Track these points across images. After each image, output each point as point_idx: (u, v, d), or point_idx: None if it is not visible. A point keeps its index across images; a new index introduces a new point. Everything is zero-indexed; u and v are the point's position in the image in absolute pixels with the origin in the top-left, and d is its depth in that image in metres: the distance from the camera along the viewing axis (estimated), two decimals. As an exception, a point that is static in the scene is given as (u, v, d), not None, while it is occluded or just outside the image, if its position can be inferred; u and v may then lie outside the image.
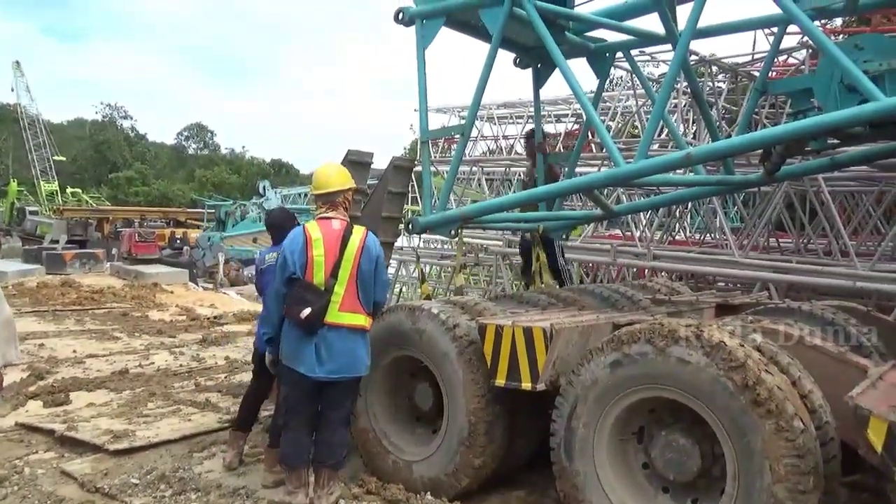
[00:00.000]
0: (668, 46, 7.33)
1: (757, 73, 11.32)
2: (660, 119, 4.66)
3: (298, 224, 5.01)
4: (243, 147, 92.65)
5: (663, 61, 14.12)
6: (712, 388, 3.10)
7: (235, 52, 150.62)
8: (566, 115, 22.21)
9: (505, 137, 23.67)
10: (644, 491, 3.48)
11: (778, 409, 2.93)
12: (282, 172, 74.10)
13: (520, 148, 23.18)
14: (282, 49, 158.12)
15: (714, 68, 11.66)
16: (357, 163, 5.26)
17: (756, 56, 11.63)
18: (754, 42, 12.20)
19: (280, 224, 4.91)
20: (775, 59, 8.00)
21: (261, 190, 32.09)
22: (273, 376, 4.51)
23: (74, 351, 9.39)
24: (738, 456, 3.03)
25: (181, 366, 8.63)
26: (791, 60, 12.01)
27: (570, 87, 4.58)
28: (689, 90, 10.56)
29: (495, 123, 22.47)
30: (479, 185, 18.54)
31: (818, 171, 6.76)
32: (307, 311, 3.75)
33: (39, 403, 6.65)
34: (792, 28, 5.12)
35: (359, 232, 4.01)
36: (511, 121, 23.48)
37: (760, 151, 4.96)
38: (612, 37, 5.80)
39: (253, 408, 5.03)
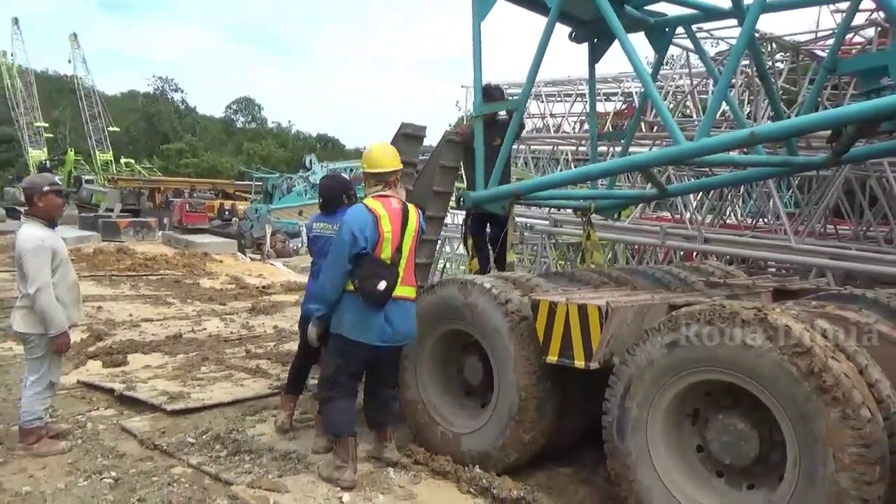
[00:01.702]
0: (727, 22, 7.13)
1: (819, 52, 10.93)
2: (724, 95, 4.51)
3: (354, 193, 5.05)
4: (289, 121, 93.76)
5: (721, 39, 13.68)
6: (775, 373, 3.02)
7: (284, 27, 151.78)
8: (615, 94, 21.81)
9: (552, 115, 23.36)
10: (697, 474, 3.44)
11: (844, 398, 2.85)
12: (327, 147, 74.77)
13: (567, 126, 22.91)
14: (328, 25, 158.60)
15: (773, 46, 11.25)
16: (411, 136, 5.25)
17: (819, 34, 11.16)
18: (818, 20, 11.72)
19: (334, 193, 4.93)
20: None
21: (307, 163, 32.35)
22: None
23: (130, 315, 9.71)
24: (800, 443, 2.96)
25: (232, 333, 8.85)
26: (856, 39, 11.50)
27: (631, 62, 4.47)
28: (746, 69, 10.28)
29: (542, 101, 22.15)
30: (525, 163, 18.37)
31: (885, 155, 6.48)
32: (383, 283, 3.88)
33: (99, 363, 6.92)
34: (862, 6, 4.88)
35: (413, 210, 4.19)
36: (559, 99, 23.11)
37: (827, 133, 4.79)
38: (672, 11, 5.64)
39: (301, 373, 5.13)
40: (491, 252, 5.74)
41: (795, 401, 2.97)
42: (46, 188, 4.61)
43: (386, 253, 3.98)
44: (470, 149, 5.33)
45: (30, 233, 4.48)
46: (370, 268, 3.91)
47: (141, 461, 4.42)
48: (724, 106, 7.99)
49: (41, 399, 4.56)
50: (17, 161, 55.21)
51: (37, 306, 4.37)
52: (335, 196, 4.91)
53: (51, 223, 4.65)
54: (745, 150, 5.22)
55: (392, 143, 5.04)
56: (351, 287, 3.97)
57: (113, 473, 4.19)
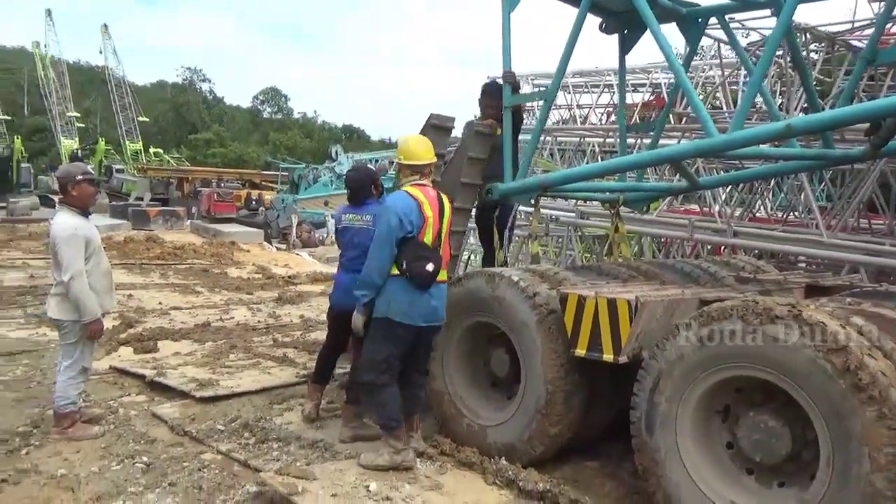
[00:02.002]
0: (759, 12, 6.99)
1: (856, 42, 10.66)
2: (758, 87, 4.42)
3: (381, 184, 5.07)
4: (315, 111, 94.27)
5: (753, 29, 13.42)
6: (809, 370, 2.97)
7: (310, 19, 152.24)
8: (643, 85, 21.53)
9: (579, 106, 23.16)
10: (727, 470, 3.40)
11: (881, 396, 2.79)
12: (353, 137, 75.06)
13: (594, 118, 22.69)
14: (354, 16, 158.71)
15: (807, 37, 11.00)
16: (439, 127, 5.24)
17: (856, 24, 10.88)
18: (855, 9, 11.42)
19: (362, 185, 4.94)
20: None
21: (333, 154, 32.44)
22: (348, 333, 4.63)
23: (160, 303, 9.87)
24: (834, 441, 2.91)
25: (259, 322, 8.95)
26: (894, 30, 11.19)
27: (664, 53, 4.40)
28: (778, 59, 10.06)
29: (569, 92, 21.95)
30: (551, 154, 18.24)
31: (924, 148, 6.31)
32: (430, 265, 4.02)
33: (130, 350, 7.05)
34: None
35: (447, 199, 4.30)
36: (586, 90, 22.90)
37: (864, 126, 4.67)
38: (704, 0, 5.54)
39: (329, 363, 5.16)
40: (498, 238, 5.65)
41: (830, 398, 2.92)
42: (80, 177, 4.69)
43: (428, 237, 4.10)
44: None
45: (64, 221, 4.56)
46: (416, 250, 4.03)
47: (172, 447, 4.50)
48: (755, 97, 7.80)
49: (75, 384, 4.65)
50: (49, 150, 56.26)
51: (70, 294, 4.46)
52: (363, 187, 4.93)
53: (84, 211, 4.73)
54: (777, 142, 5.13)
55: (420, 133, 5.06)
56: (395, 271, 4.05)
57: (145, 458, 4.27)
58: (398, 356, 4.14)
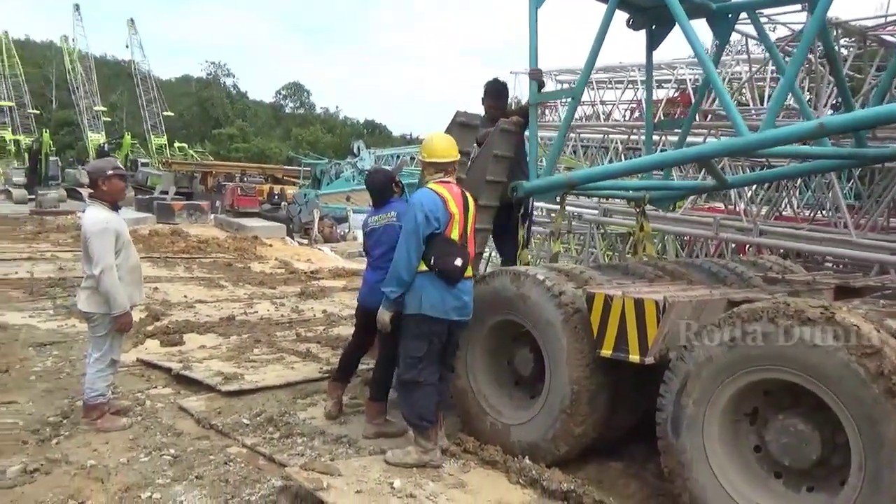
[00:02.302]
0: (788, 7, 6.85)
1: (888, 38, 10.43)
2: (792, 84, 4.35)
3: (400, 181, 5.06)
4: (337, 107, 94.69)
5: (783, 24, 13.20)
6: (841, 374, 2.92)
7: (333, 15, 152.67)
8: (667, 81, 21.29)
9: (602, 103, 22.98)
10: (755, 474, 3.36)
11: (916, 401, 2.74)
12: (375, 133, 75.28)
13: (618, 114, 22.48)
14: (376, 13, 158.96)
15: (838, 32, 10.78)
16: (465, 125, 5.23)
17: (889, 19, 10.65)
18: (888, 3, 11.19)
19: (383, 186, 4.94)
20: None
21: (355, 150, 32.58)
22: (374, 332, 4.65)
23: (185, 296, 9.99)
24: (866, 447, 2.86)
25: (282, 316, 9.02)
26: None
27: (693, 49, 4.36)
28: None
29: (593, 88, 21.78)
30: (574, 151, 18.12)
31: (960, 147, 6.18)
32: (459, 260, 4.07)
33: (156, 342, 7.15)
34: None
35: (471, 197, 4.35)
36: (610, 86, 22.71)
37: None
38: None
39: (353, 361, 5.18)
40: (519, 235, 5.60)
41: (863, 403, 2.87)
42: (111, 172, 4.75)
43: (455, 233, 4.13)
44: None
45: (95, 215, 4.63)
46: (444, 246, 4.07)
47: (198, 440, 4.56)
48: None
49: (104, 376, 4.73)
50: (76, 144, 57.19)
51: (101, 287, 4.52)
52: (385, 188, 4.93)
53: (114, 206, 4.80)
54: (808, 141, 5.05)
55: (446, 131, 5.05)
56: (424, 267, 4.07)
57: (172, 451, 4.33)
58: (435, 352, 4.14)
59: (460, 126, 5.14)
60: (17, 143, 46.97)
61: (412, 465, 4.00)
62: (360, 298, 4.99)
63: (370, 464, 4.05)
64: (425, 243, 4.05)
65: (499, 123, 5.35)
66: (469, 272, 4.23)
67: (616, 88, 22.25)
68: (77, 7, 52.49)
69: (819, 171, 6.76)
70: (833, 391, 2.97)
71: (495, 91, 5.72)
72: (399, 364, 4.25)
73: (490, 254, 15.70)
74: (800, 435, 3.19)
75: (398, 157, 29.99)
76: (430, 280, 4.07)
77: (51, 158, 38.54)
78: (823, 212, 12.47)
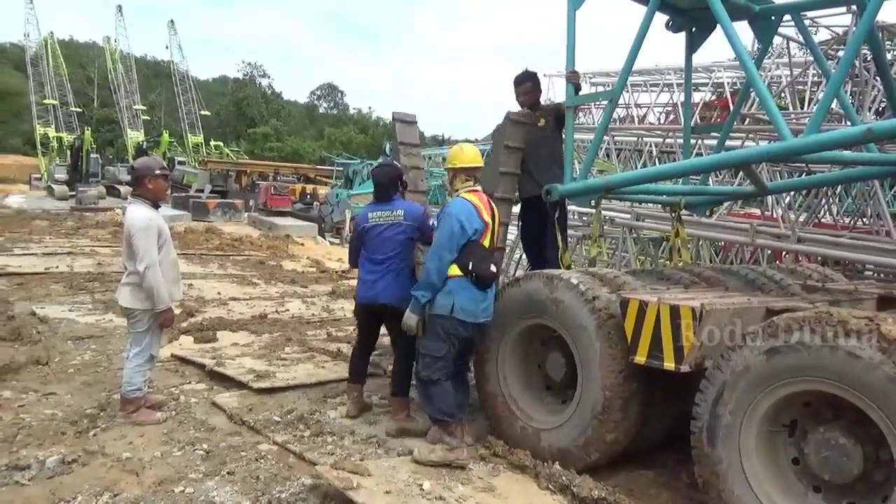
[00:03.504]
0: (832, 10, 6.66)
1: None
2: (838, 88, 4.24)
3: (405, 184, 5.05)
4: (370, 107, 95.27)
5: (825, 27, 12.92)
6: (887, 388, 2.83)
7: (369, 15, 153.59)
8: (704, 84, 20.95)
9: (637, 106, 22.75)
10: (793, 487, 3.27)
11: (966, 418, 2.64)
12: (406, 134, 75.37)
13: (652, 117, 22.22)
14: (413, 13, 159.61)
15: (884, 35, 10.50)
16: (517, 122, 5.43)
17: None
18: (937, 6, 10.84)
19: (391, 179, 4.91)
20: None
21: (386, 150, 32.72)
22: (374, 329, 4.99)
23: (219, 293, 10.13)
24: (912, 463, 2.77)
25: (313, 315, 9.09)
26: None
27: (736, 52, 4.27)
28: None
29: (627, 91, 21.55)
30: (608, 155, 17.95)
31: None
32: (494, 267, 4.30)
33: (191, 339, 7.26)
34: None
35: (494, 203, 4.58)
36: (645, 89, 22.46)
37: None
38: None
39: (364, 361, 5.15)
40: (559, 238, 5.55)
41: (909, 418, 2.78)
42: (158, 171, 4.85)
43: (487, 240, 4.34)
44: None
45: (138, 212, 4.71)
46: (478, 253, 4.25)
47: (230, 436, 4.61)
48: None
49: (142, 371, 4.81)
50: (116, 142, 58.48)
51: (145, 283, 4.60)
52: (392, 182, 4.89)
53: (155, 204, 4.89)
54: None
55: (499, 129, 5.42)
56: (458, 272, 4.20)
57: (205, 446, 4.39)
58: (456, 354, 4.28)
59: (512, 123, 5.36)
60: (59, 140, 48.15)
61: (438, 462, 4.01)
62: (357, 297, 4.95)
63: (399, 464, 4.05)
64: (460, 250, 4.22)
65: (507, 115, 5.36)
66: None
67: (651, 91, 22.00)
68: (119, 8, 53.66)
69: (863, 177, 6.58)
70: (877, 405, 2.88)
71: (532, 80, 5.73)
72: (417, 361, 4.40)
73: (520, 257, 15.67)
74: (841, 449, 3.10)
75: (430, 157, 30.03)
76: (465, 284, 4.21)
77: (92, 156, 39.47)
78: (864, 220, 12.15)
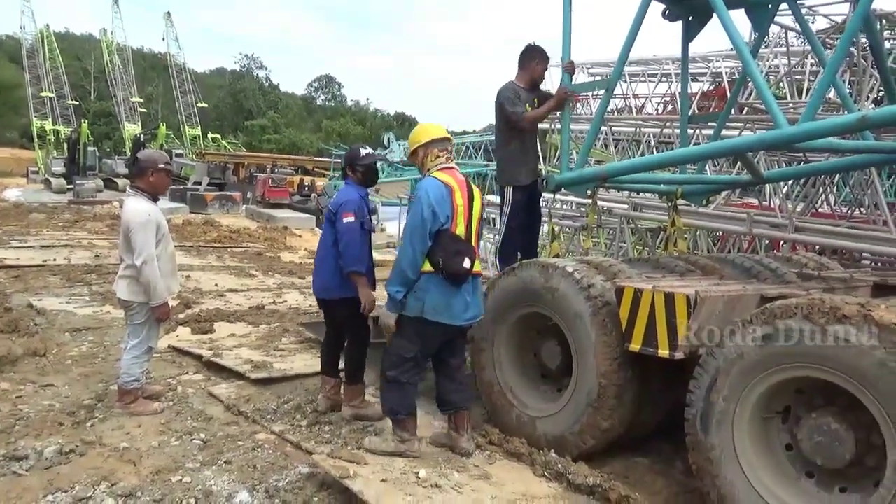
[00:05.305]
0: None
1: (935, 30, 10.10)
2: (834, 77, 4.23)
3: (356, 172, 4.69)
4: (367, 99, 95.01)
5: (823, 15, 12.87)
6: (879, 374, 2.84)
7: (367, 6, 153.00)
8: (702, 74, 20.88)
9: (635, 96, 22.65)
10: (785, 473, 3.30)
11: (957, 403, 2.65)
12: (405, 125, 75.25)
13: (650, 107, 22.14)
14: (414, 4, 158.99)
15: (882, 23, 10.46)
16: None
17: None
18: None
19: (344, 165, 4.81)
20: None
21: (385, 142, 32.63)
22: (338, 322, 4.78)
23: (216, 285, 10.14)
24: (904, 448, 2.79)
25: (311, 306, 9.06)
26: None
27: (733, 41, 4.27)
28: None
29: (625, 81, 21.45)
30: (605, 145, 17.91)
31: None
32: (467, 261, 3.83)
33: (188, 330, 7.27)
34: None
35: (475, 187, 4.14)
36: (642, 79, 22.36)
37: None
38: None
39: (335, 355, 5.01)
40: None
41: (900, 403, 2.79)
42: (162, 165, 4.83)
43: (460, 228, 3.87)
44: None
45: (137, 206, 4.68)
46: (451, 245, 3.79)
47: (227, 425, 4.62)
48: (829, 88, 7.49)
49: (139, 363, 4.82)
50: (114, 134, 58.30)
51: (142, 278, 4.60)
52: (346, 165, 4.77)
53: (154, 197, 4.87)
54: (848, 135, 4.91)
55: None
56: (429, 268, 3.81)
57: (202, 435, 4.40)
58: (427, 355, 4.04)
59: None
60: (56, 133, 47.99)
61: (390, 453, 3.98)
62: (319, 288, 4.76)
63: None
64: (432, 239, 3.79)
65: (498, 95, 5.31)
66: (477, 268, 3.99)
67: (649, 82, 21.90)
68: (116, 0, 53.35)
69: (860, 166, 6.58)
70: (869, 391, 2.90)
71: (541, 52, 5.54)
72: (384, 359, 4.06)
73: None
74: (833, 434, 3.12)
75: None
76: (436, 282, 3.81)
77: (89, 149, 39.31)
78: (861, 209, 12.16)
